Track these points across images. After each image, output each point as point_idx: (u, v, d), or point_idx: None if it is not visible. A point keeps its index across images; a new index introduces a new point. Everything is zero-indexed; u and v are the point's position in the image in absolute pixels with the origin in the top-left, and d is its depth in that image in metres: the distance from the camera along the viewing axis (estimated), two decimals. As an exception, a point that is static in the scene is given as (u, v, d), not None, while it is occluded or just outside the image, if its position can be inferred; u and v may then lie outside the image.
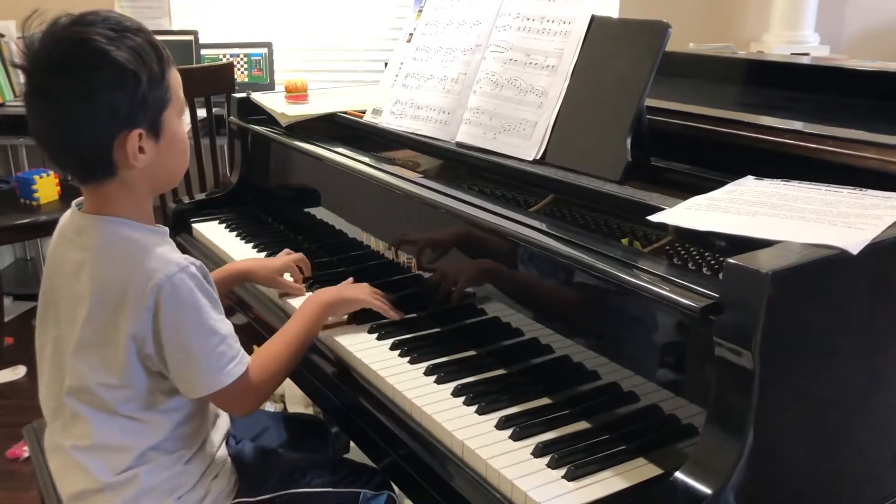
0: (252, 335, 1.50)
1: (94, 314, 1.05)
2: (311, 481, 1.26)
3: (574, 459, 0.97)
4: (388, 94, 1.63)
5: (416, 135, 1.52)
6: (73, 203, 1.12)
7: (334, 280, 1.45)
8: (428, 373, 1.18)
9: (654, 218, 1.00)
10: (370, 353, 1.26)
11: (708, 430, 0.85)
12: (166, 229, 1.12)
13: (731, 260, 0.81)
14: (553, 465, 0.96)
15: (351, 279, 1.43)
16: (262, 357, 1.18)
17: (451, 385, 1.14)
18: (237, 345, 1.11)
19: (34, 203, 2.85)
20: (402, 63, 1.63)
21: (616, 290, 1.00)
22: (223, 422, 1.27)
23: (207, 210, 1.94)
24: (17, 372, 2.78)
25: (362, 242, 1.54)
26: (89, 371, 1.07)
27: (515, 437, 1.02)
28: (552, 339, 1.13)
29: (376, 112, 1.65)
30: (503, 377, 1.18)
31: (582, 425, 1.05)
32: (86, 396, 1.08)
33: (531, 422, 1.05)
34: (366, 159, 1.53)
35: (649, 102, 1.24)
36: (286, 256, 1.53)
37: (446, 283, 1.32)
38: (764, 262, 0.80)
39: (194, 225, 1.89)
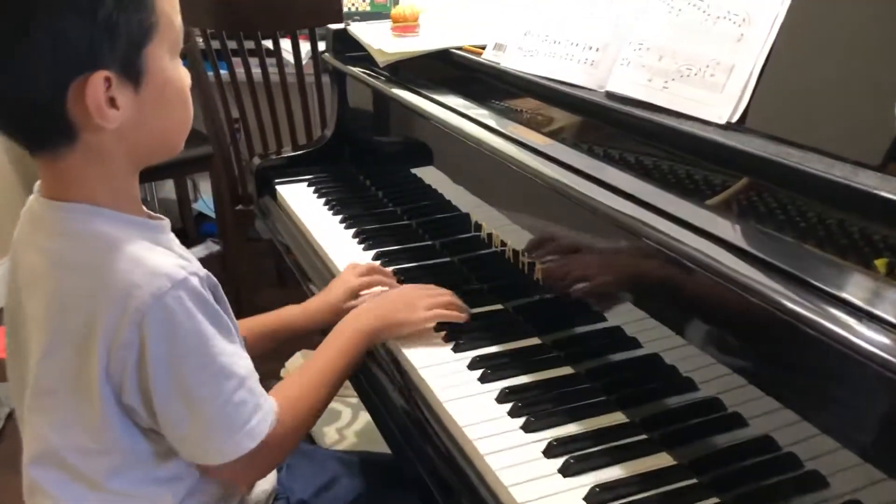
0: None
1: (53, 348, 0.73)
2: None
3: None
4: (517, 24, 1.20)
5: (551, 80, 1.09)
6: (36, 186, 0.78)
7: (435, 271, 1.10)
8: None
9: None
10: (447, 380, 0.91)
11: None
12: (165, 221, 0.78)
13: None
14: None
15: (398, 288, 1.08)
16: (286, 400, 0.83)
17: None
18: (259, 387, 0.78)
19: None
20: (537, -21, 1.19)
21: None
22: (269, 477, 0.94)
23: (296, 168, 1.60)
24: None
25: (476, 222, 1.15)
26: (53, 430, 0.75)
27: None
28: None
29: (499, 47, 1.23)
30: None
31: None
32: (54, 465, 0.76)
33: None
34: (477, 114, 1.13)
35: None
36: (354, 278, 1.14)
37: (575, 299, 0.91)
38: None
39: (278, 188, 1.56)
